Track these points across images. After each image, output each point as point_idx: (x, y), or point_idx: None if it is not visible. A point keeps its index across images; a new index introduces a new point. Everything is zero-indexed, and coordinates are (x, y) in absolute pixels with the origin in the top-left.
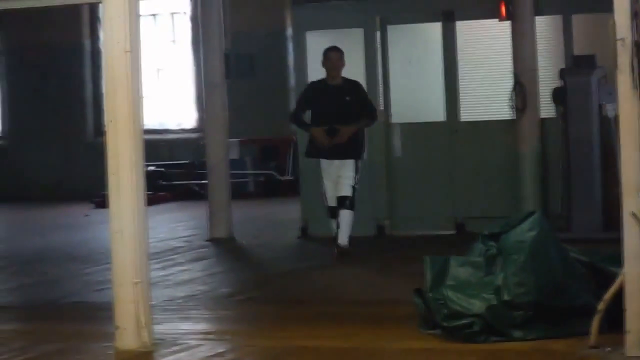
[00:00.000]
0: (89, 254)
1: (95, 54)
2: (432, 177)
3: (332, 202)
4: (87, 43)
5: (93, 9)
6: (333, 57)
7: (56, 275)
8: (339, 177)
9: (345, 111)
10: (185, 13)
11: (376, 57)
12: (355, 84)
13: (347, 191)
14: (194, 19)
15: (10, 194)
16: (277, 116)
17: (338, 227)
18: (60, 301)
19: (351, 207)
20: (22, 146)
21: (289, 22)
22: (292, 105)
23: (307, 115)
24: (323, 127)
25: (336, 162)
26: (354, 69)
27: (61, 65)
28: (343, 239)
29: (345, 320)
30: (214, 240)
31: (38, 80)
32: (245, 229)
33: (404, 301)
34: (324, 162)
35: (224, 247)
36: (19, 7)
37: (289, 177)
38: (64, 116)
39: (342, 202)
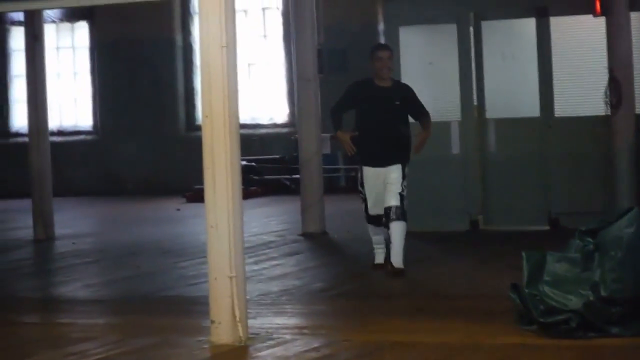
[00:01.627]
0: (182, 248)
1: (187, 49)
2: (526, 172)
3: (373, 211)
4: (178, 38)
5: (184, 4)
6: (384, 55)
7: (150, 269)
8: (386, 184)
9: (394, 116)
10: (278, 8)
11: (470, 53)
12: (406, 87)
13: (394, 200)
14: (286, 13)
15: (103, 188)
16: None
17: (385, 241)
18: (155, 295)
19: (402, 218)
20: (114, 141)
21: (380, 16)
22: None
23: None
24: (372, 134)
25: (378, 170)
26: (447, 65)
27: (153, 60)
28: (397, 260)
29: (441, 315)
30: (306, 235)
31: (130, 74)
32: (337, 224)
33: (499, 296)
34: (367, 170)
35: (317, 241)
36: (113, 3)
37: None
38: (155, 111)
39: (390, 212)
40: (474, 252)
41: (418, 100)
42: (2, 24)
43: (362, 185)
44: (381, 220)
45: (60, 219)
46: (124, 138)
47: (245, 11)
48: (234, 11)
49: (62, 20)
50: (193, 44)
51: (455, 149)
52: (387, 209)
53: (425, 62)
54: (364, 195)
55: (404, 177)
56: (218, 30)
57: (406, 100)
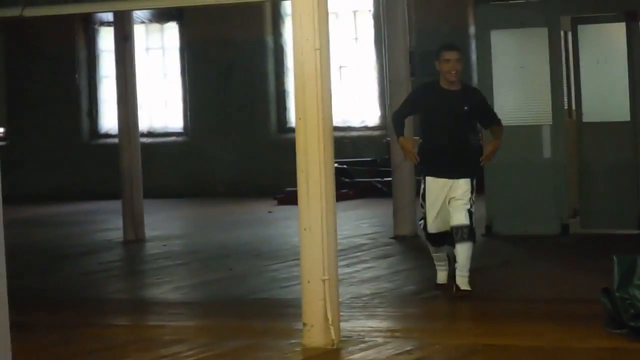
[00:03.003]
0: (274, 250)
1: (278, 51)
2: (616, 176)
3: (433, 229)
4: (269, 39)
5: (276, 5)
6: (452, 57)
7: (242, 271)
8: (451, 199)
9: (462, 122)
10: (370, 11)
11: (561, 57)
12: (475, 91)
13: (462, 218)
14: (377, 16)
15: (194, 190)
16: None
17: (452, 261)
18: (247, 297)
19: (470, 239)
20: (205, 142)
21: (471, 20)
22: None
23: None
24: (438, 142)
25: (443, 181)
26: (538, 68)
27: (243, 62)
28: (463, 281)
29: (532, 318)
30: (398, 238)
31: (220, 76)
32: None
33: (590, 300)
34: (431, 181)
35: (409, 244)
36: (206, 4)
37: None
38: (246, 112)
39: (458, 232)
40: (564, 255)
41: (488, 106)
42: (91, 24)
43: (423, 197)
44: (442, 241)
45: (150, 220)
46: (215, 140)
47: (336, 14)
48: (327, 13)
49: (151, 21)
50: (284, 46)
51: (547, 152)
52: (455, 228)
53: (516, 66)
54: (425, 209)
55: (472, 191)
56: (312, 32)
57: (476, 106)
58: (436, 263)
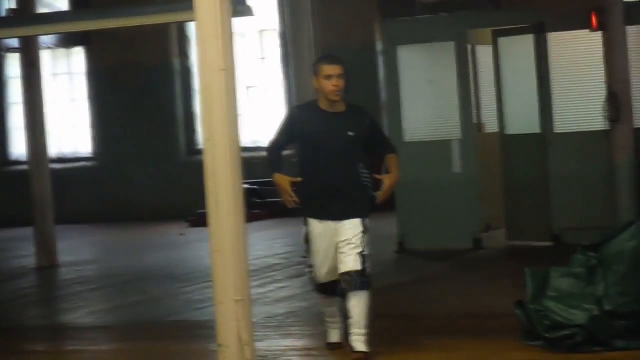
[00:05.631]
0: (187, 272)
1: (185, 73)
2: (528, 188)
3: (321, 278)
4: (176, 62)
5: (181, 28)
6: (334, 72)
7: (156, 295)
8: (339, 242)
9: (348, 151)
10: (275, 30)
11: (468, 70)
12: (363, 112)
13: (352, 262)
14: (283, 35)
15: (104, 215)
16: None
17: (345, 316)
18: (162, 320)
19: (364, 286)
20: (114, 167)
21: (379, 36)
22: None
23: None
24: (319, 176)
25: (327, 224)
26: (446, 83)
27: (151, 85)
28: (360, 340)
29: (448, 332)
30: None
31: (128, 100)
32: None
33: (505, 313)
34: (314, 225)
35: None
36: (110, 27)
37: None
38: (155, 136)
39: (348, 280)
40: (477, 270)
41: (380, 130)
42: None
43: (306, 242)
44: (333, 289)
45: (63, 246)
46: (125, 164)
47: (242, 34)
48: (231, 34)
49: (57, 46)
50: (191, 68)
51: (457, 167)
52: (346, 276)
53: (425, 81)
54: (308, 257)
55: (365, 232)
56: (216, 54)
57: (364, 130)
58: (327, 320)
